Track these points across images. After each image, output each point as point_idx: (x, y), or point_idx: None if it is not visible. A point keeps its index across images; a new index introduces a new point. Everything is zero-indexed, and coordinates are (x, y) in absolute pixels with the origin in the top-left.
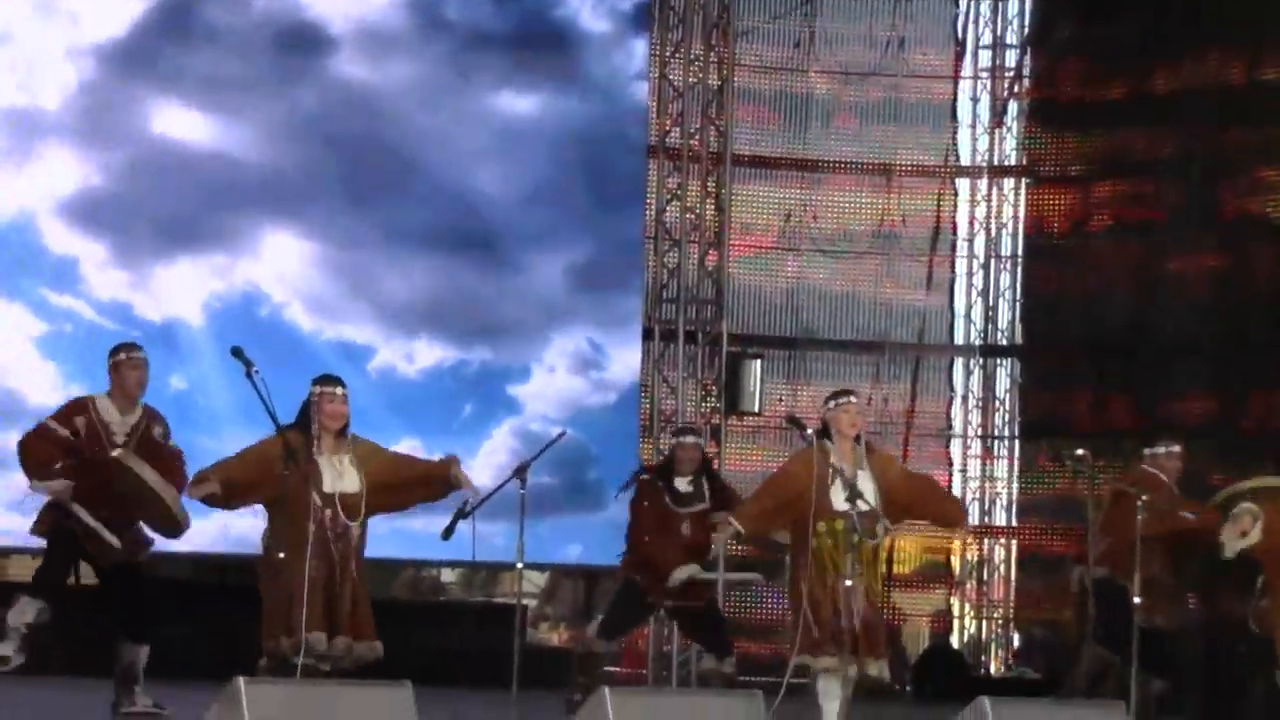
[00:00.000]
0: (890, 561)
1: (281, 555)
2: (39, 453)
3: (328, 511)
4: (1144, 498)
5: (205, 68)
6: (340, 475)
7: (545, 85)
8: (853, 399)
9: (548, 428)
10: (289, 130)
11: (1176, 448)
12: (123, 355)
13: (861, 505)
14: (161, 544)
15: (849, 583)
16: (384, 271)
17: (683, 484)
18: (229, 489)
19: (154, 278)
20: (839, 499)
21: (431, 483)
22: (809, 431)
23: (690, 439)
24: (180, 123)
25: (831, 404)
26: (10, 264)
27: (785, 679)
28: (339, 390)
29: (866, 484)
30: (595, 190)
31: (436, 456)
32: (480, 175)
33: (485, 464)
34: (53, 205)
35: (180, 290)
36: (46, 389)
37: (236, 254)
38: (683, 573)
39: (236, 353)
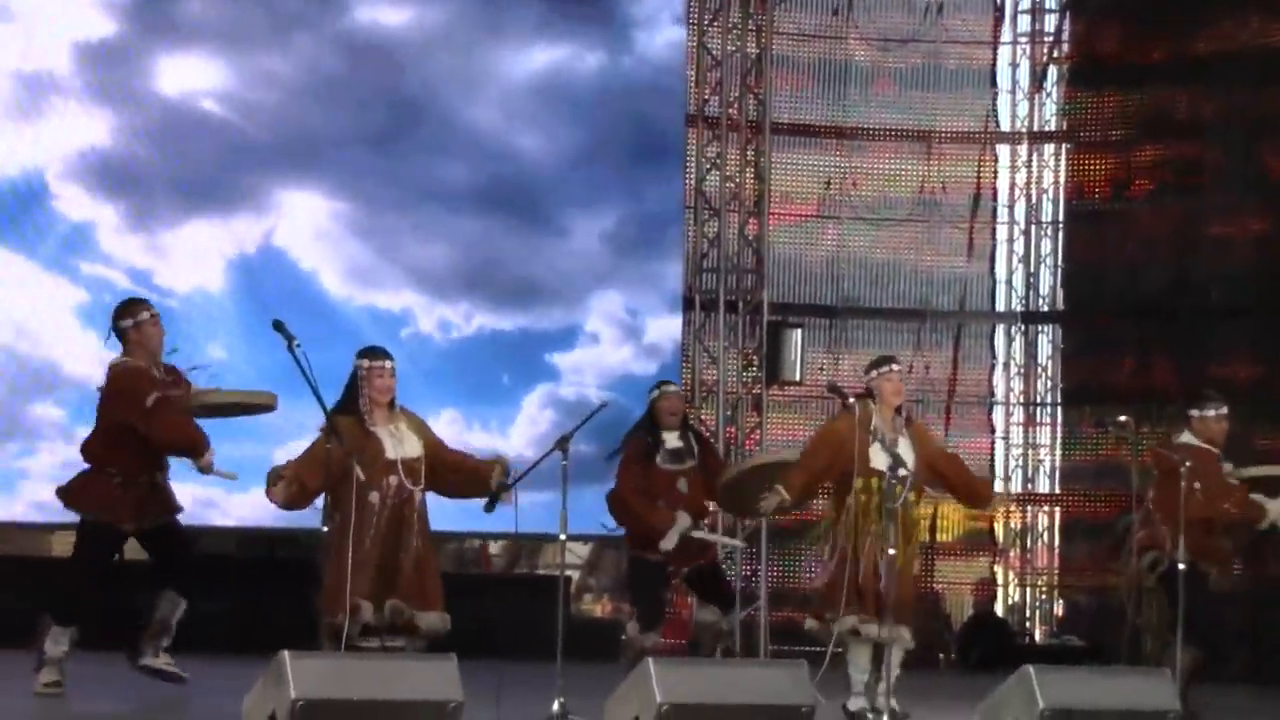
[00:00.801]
0: (934, 530)
1: (341, 533)
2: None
3: (392, 479)
4: (1196, 485)
5: (220, 19)
6: (400, 441)
7: (579, 37)
8: (895, 367)
9: (586, 396)
10: (311, 84)
11: (1224, 409)
12: (145, 314)
13: (900, 470)
14: (205, 518)
15: (891, 551)
16: (415, 233)
17: (672, 439)
18: (302, 493)
19: (173, 243)
20: (879, 459)
21: (471, 482)
22: (850, 400)
23: (673, 388)
24: (195, 77)
25: (874, 372)
26: (29, 230)
27: (829, 648)
28: (388, 364)
29: (905, 452)
30: (631, 151)
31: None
32: (511, 132)
33: (523, 434)
34: (63, 168)
35: (201, 255)
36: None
37: (259, 216)
38: (674, 535)
39: (278, 326)
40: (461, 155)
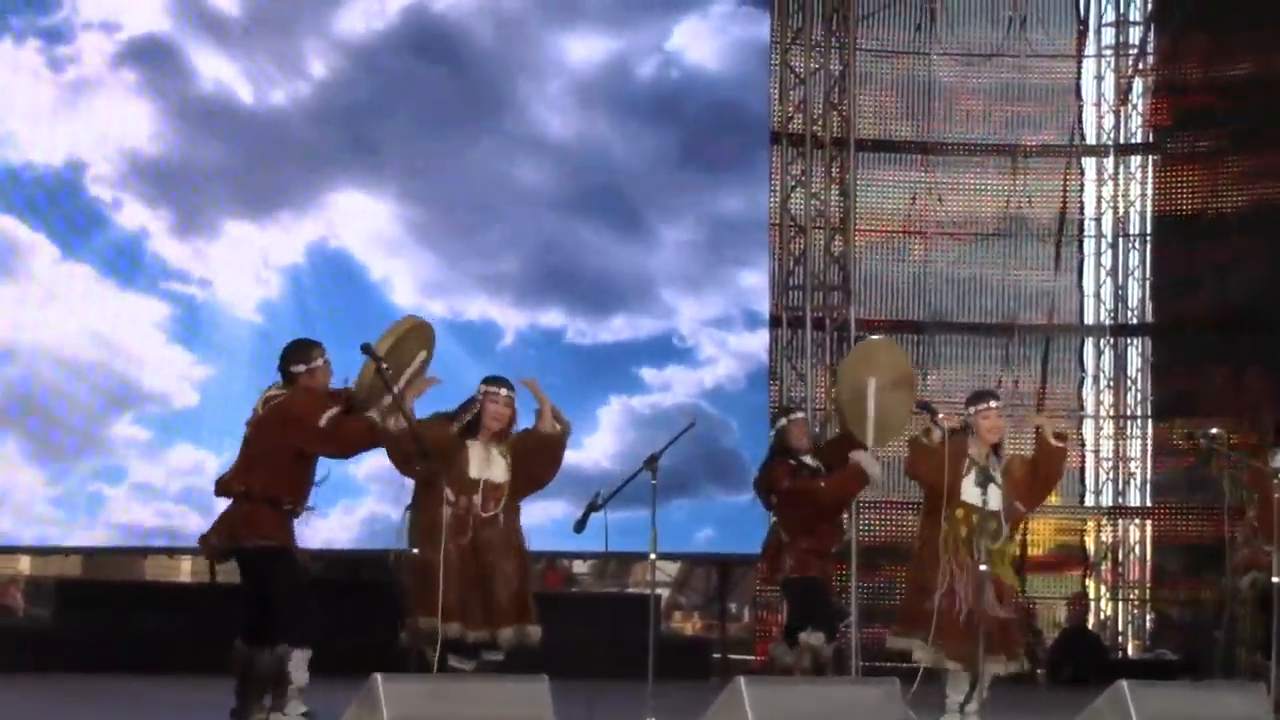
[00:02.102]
0: (1024, 545)
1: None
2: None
3: (474, 498)
4: None
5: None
6: (488, 463)
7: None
8: (994, 405)
9: (673, 407)
10: (363, 69)
11: None
12: (319, 361)
13: (991, 499)
14: (298, 541)
15: (983, 567)
16: (484, 235)
17: (808, 460)
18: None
19: (227, 250)
20: (971, 492)
21: (540, 448)
22: (939, 417)
23: (800, 414)
24: (237, 69)
25: (972, 409)
26: (79, 240)
27: (921, 666)
28: (503, 392)
29: (994, 489)
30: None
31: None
32: (581, 128)
33: (601, 445)
34: (110, 170)
35: (259, 263)
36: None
37: (315, 219)
38: (872, 461)
39: (366, 349)
40: (530, 152)
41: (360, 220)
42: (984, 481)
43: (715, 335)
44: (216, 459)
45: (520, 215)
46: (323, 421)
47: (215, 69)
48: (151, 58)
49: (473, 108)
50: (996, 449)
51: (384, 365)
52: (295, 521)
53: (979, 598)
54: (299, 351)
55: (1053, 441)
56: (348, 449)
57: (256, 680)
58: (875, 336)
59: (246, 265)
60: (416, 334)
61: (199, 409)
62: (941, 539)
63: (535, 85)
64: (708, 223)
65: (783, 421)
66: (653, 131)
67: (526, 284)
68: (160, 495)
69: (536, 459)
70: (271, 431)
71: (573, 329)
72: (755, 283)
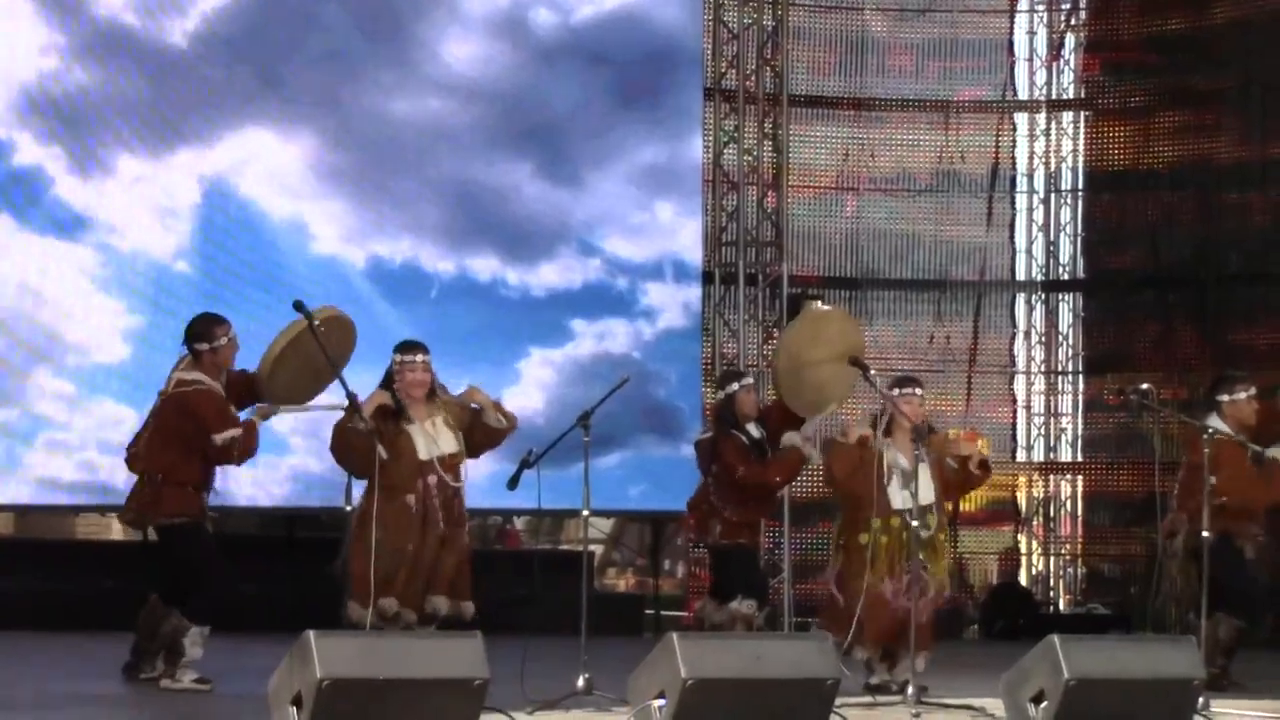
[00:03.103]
0: (955, 503)
1: (363, 520)
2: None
3: (431, 479)
4: (1212, 479)
5: None
6: (435, 439)
7: None
8: (917, 391)
9: (605, 358)
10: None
11: (1253, 389)
12: (224, 339)
13: (922, 493)
14: (226, 499)
15: (924, 575)
16: (403, 178)
17: (753, 430)
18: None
19: (128, 190)
20: (898, 498)
21: (484, 438)
22: (872, 372)
23: (750, 379)
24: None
25: (895, 392)
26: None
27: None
28: (418, 358)
29: (925, 482)
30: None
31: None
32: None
33: (531, 397)
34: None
35: (158, 207)
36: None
37: (215, 157)
38: (809, 429)
39: (298, 306)
40: (445, 91)
41: (269, 160)
42: (908, 482)
43: (647, 286)
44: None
45: (439, 157)
46: (219, 440)
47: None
48: None
49: (385, 43)
50: (919, 434)
51: (317, 324)
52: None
53: (913, 594)
54: (204, 328)
55: (975, 471)
56: (240, 462)
57: (156, 639)
58: (825, 307)
59: (151, 208)
60: (339, 327)
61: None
62: (871, 549)
63: (449, 18)
64: (637, 171)
65: (733, 387)
66: (580, 73)
67: (451, 230)
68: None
69: (479, 442)
70: (173, 420)
71: (500, 278)
72: (687, 233)
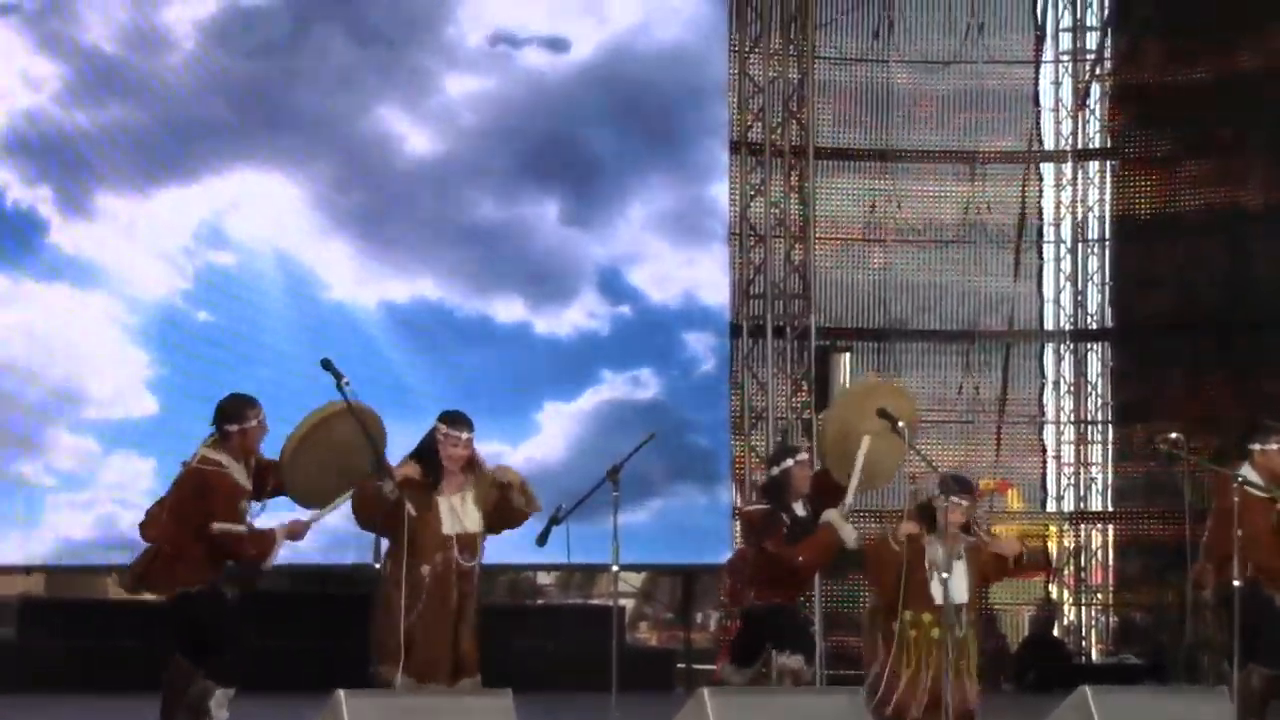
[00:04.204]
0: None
1: (393, 579)
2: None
3: (450, 553)
4: (1239, 532)
5: None
6: (460, 517)
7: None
8: (964, 502)
9: (634, 406)
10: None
11: None
12: (254, 421)
13: (956, 593)
14: None
15: (949, 676)
16: (418, 216)
17: (799, 509)
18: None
19: (121, 233)
20: (938, 592)
21: (506, 517)
22: (900, 424)
23: (804, 455)
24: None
25: (943, 499)
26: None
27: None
28: (463, 435)
29: (960, 576)
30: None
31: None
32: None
33: (554, 446)
34: None
35: (160, 253)
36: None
37: (212, 198)
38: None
39: (326, 365)
40: (451, 127)
41: (273, 201)
42: (946, 580)
43: (674, 334)
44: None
45: (445, 192)
46: (215, 528)
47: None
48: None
49: (395, 79)
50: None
51: (345, 380)
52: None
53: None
54: (234, 409)
55: (1015, 567)
56: (224, 560)
57: (182, 702)
58: (876, 378)
59: (150, 250)
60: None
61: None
62: (905, 645)
63: (467, 57)
64: (662, 218)
65: (788, 463)
66: (603, 119)
67: (466, 270)
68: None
69: (501, 521)
70: (188, 497)
71: (523, 321)
72: (714, 282)
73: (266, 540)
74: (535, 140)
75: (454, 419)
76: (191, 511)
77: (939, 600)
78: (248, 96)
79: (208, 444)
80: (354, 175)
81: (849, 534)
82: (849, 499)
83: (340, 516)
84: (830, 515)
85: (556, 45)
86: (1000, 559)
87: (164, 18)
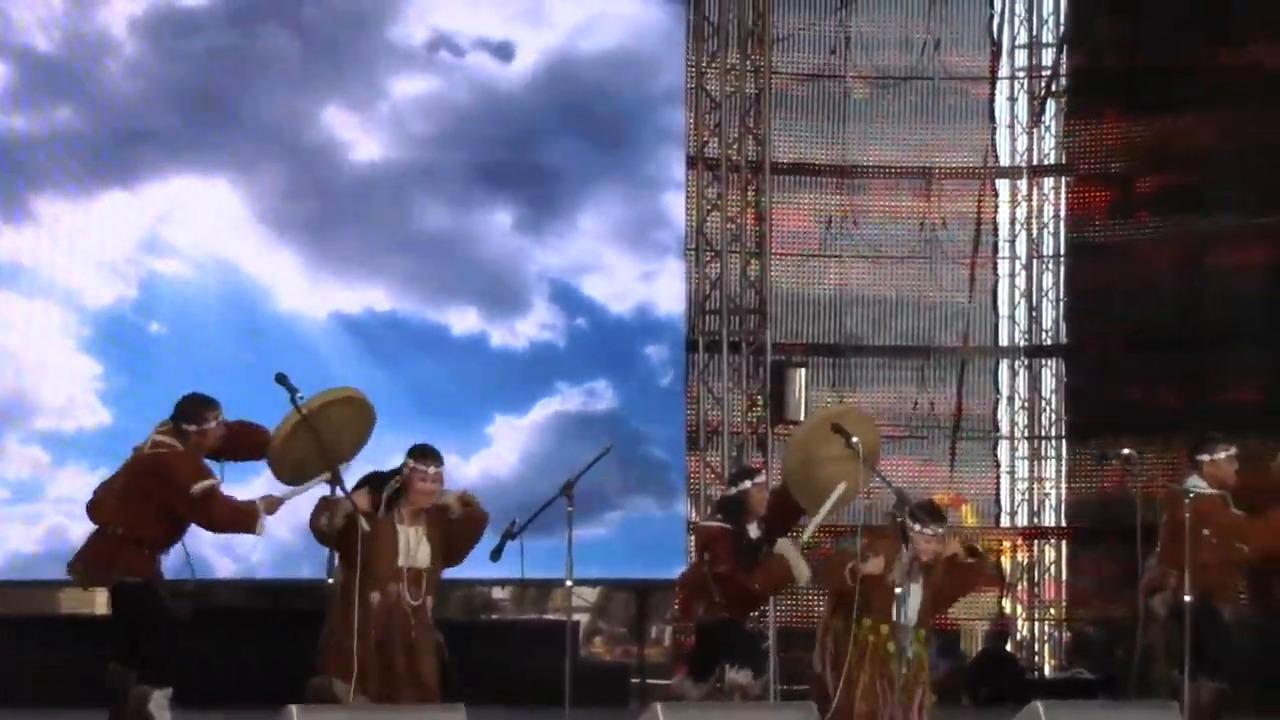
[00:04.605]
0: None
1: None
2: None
3: (397, 586)
4: (1206, 531)
5: None
6: (414, 549)
7: None
8: (940, 531)
9: (590, 417)
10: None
11: (1233, 449)
12: (213, 423)
13: (911, 613)
14: (210, 570)
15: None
16: (370, 228)
17: (753, 529)
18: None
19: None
20: (900, 612)
21: (463, 529)
22: (854, 440)
23: (763, 478)
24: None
25: (917, 527)
26: None
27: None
28: (431, 469)
29: (914, 596)
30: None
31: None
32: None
33: (509, 457)
34: None
35: (96, 251)
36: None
37: (145, 204)
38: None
39: (281, 380)
40: (407, 132)
41: (219, 208)
42: (904, 599)
43: (629, 346)
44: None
45: (394, 200)
46: (194, 490)
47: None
48: None
49: (343, 83)
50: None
51: (299, 394)
52: (162, 556)
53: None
54: (195, 410)
55: (969, 561)
56: (216, 524)
57: (125, 712)
58: (839, 406)
59: (92, 258)
60: (347, 408)
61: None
62: (861, 650)
63: (420, 62)
64: (617, 229)
65: (746, 484)
66: (559, 129)
67: (417, 280)
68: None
69: (459, 538)
70: (143, 480)
71: (476, 332)
72: (670, 295)
73: (248, 510)
74: (487, 148)
75: (423, 453)
76: (147, 493)
77: (899, 619)
78: (190, 100)
79: (161, 430)
80: (300, 182)
81: (802, 573)
82: (806, 536)
83: (292, 530)
84: (786, 549)
85: (507, 51)
86: (956, 566)
87: (102, 19)
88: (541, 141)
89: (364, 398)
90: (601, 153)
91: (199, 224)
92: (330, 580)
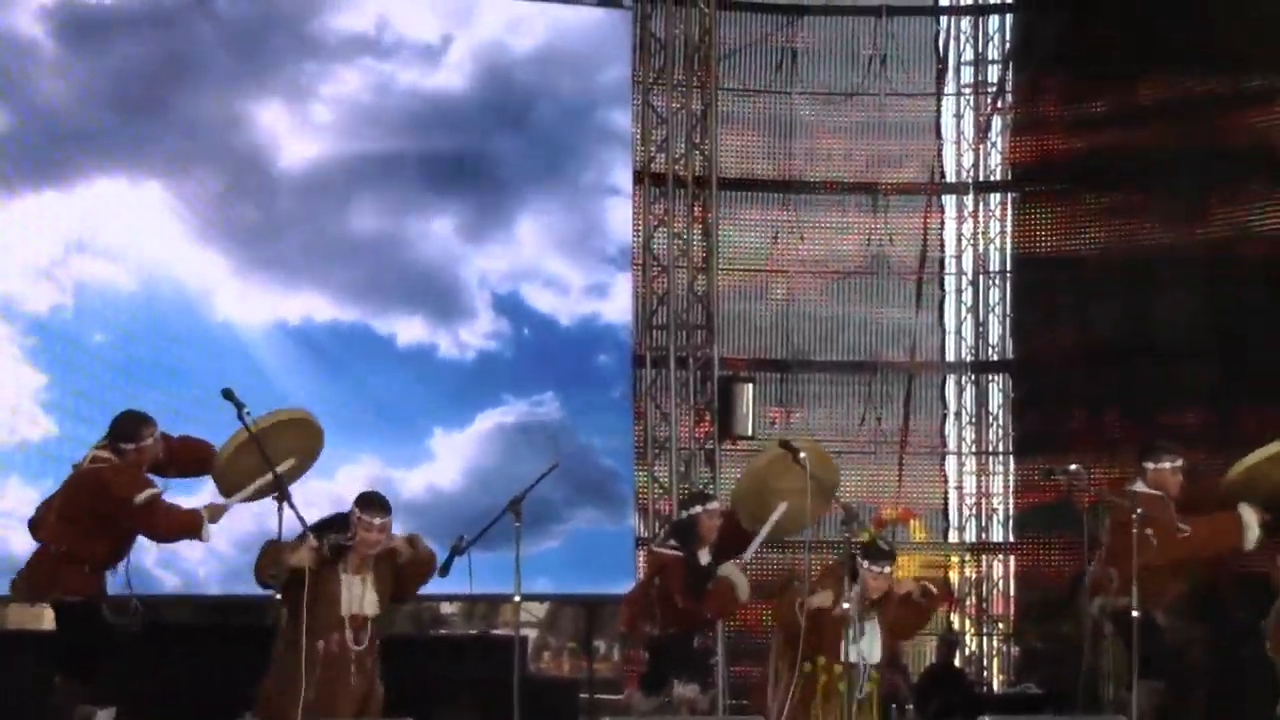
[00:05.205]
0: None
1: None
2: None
3: (343, 635)
4: (1149, 531)
5: None
6: (358, 597)
7: None
8: (886, 569)
9: (538, 429)
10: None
11: (1180, 460)
12: (149, 440)
13: (867, 652)
14: (156, 586)
15: None
16: (309, 233)
17: (704, 555)
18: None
19: None
20: (850, 650)
21: (413, 573)
22: (802, 455)
23: (717, 505)
24: None
25: (867, 565)
26: None
27: None
28: (378, 520)
29: (871, 635)
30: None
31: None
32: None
33: (453, 471)
34: None
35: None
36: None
37: (67, 203)
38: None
39: (227, 395)
40: (344, 135)
41: (146, 212)
42: (860, 637)
43: (579, 360)
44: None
45: (332, 206)
46: (137, 499)
47: None
48: None
49: (277, 84)
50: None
51: (246, 410)
52: (108, 573)
53: None
54: (131, 428)
55: (920, 601)
56: (162, 532)
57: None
58: (800, 442)
59: (17, 262)
60: (296, 430)
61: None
62: (810, 688)
63: (360, 64)
64: (559, 240)
65: (697, 509)
66: (507, 138)
67: (358, 289)
68: None
69: (409, 581)
70: (83, 498)
71: (418, 342)
72: (618, 309)
73: (193, 517)
74: (427, 152)
75: (372, 505)
76: (87, 510)
77: (852, 658)
78: (117, 101)
79: (98, 447)
80: (234, 187)
81: (742, 589)
82: (747, 555)
83: (237, 546)
84: (730, 571)
85: (441, 52)
86: (909, 604)
87: (21, 18)
88: (482, 146)
89: (314, 420)
90: (546, 162)
91: (130, 227)
92: (278, 596)
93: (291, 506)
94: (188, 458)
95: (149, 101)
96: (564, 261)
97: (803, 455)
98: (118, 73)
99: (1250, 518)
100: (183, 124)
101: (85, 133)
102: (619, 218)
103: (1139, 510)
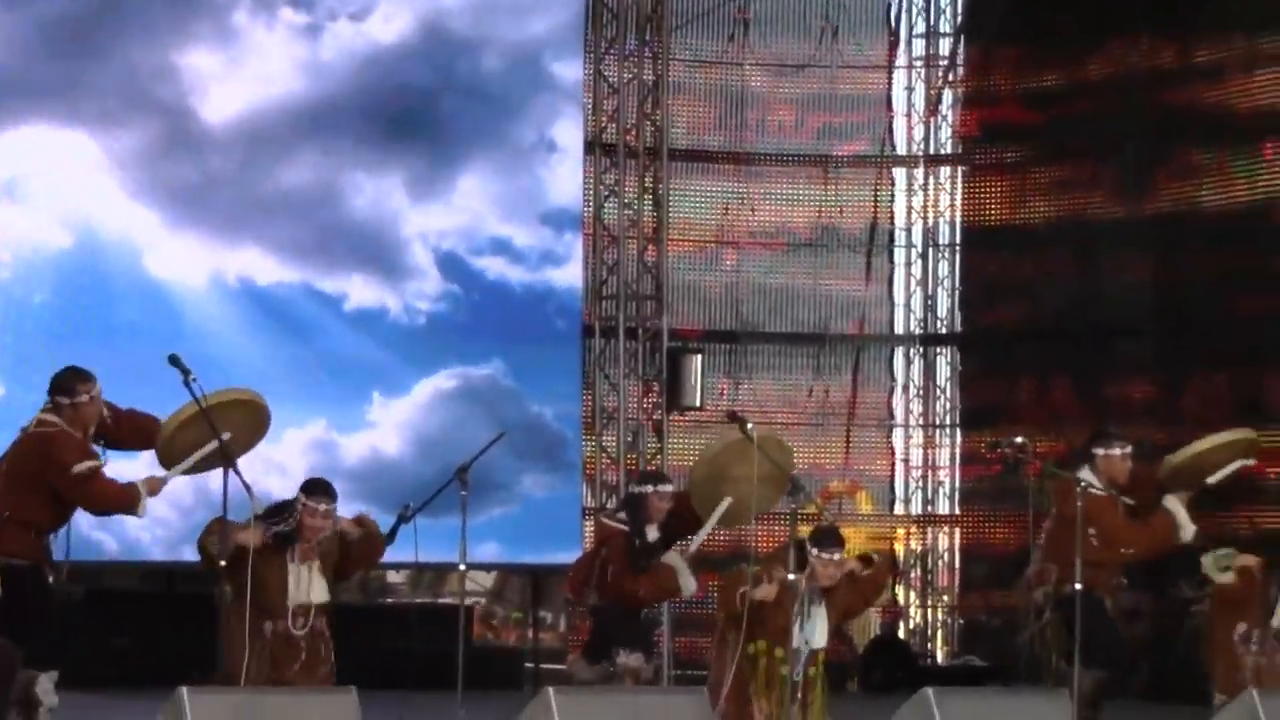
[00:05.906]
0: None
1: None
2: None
3: (288, 622)
4: (1091, 531)
5: None
6: (307, 585)
7: None
8: (836, 555)
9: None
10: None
11: (1129, 447)
12: (85, 396)
13: (815, 638)
14: (103, 553)
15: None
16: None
17: (652, 531)
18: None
19: None
20: (798, 637)
21: (363, 551)
22: (750, 426)
23: (669, 487)
24: None
25: (815, 551)
26: None
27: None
28: (322, 506)
29: (821, 620)
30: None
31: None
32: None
33: (406, 432)
34: None
35: None
36: None
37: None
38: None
39: (174, 361)
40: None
41: (82, 167)
42: (806, 624)
43: (527, 325)
44: None
45: (271, 163)
46: (75, 469)
47: None
48: None
49: (216, 35)
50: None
51: (192, 376)
52: (51, 537)
53: None
54: (68, 383)
55: (864, 574)
56: (97, 505)
57: (11, 695)
58: (758, 430)
59: None
60: (244, 411)
61: None
62: (751, 670)
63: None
64: (510, 203)
65: (647, 489)
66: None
67: (302, 249)
68: None
69: (356, 561)
70: (28, 461)
71: (363, 305)
72: (568, 276)
73: (130, 492)
74: (371, 108)
75: (316, 491)
76: (31, 473)
77: (795, 643)
78: (45, 47)
79: (44, 411)
80: (167, 137)
81: (688, 586)
82: (693, 548)
83: (178, 511)
84: (675, 561)
85: (387, 7)
86: (856, 582)
87: None
88: (435, 110)
89: (263, 403)
90: (495, 124)
91: (62, 182)
92: (224, 564)
93: (238, 474)
94: (135, 432)
95: (80, 50)
96: (514, 226)
97: (750, 426)
98: (48, 19)
99: (1179, 513)
100: (113, 72)
101: (14, 79)
102: (569, 183)
103: (1078, 501)
